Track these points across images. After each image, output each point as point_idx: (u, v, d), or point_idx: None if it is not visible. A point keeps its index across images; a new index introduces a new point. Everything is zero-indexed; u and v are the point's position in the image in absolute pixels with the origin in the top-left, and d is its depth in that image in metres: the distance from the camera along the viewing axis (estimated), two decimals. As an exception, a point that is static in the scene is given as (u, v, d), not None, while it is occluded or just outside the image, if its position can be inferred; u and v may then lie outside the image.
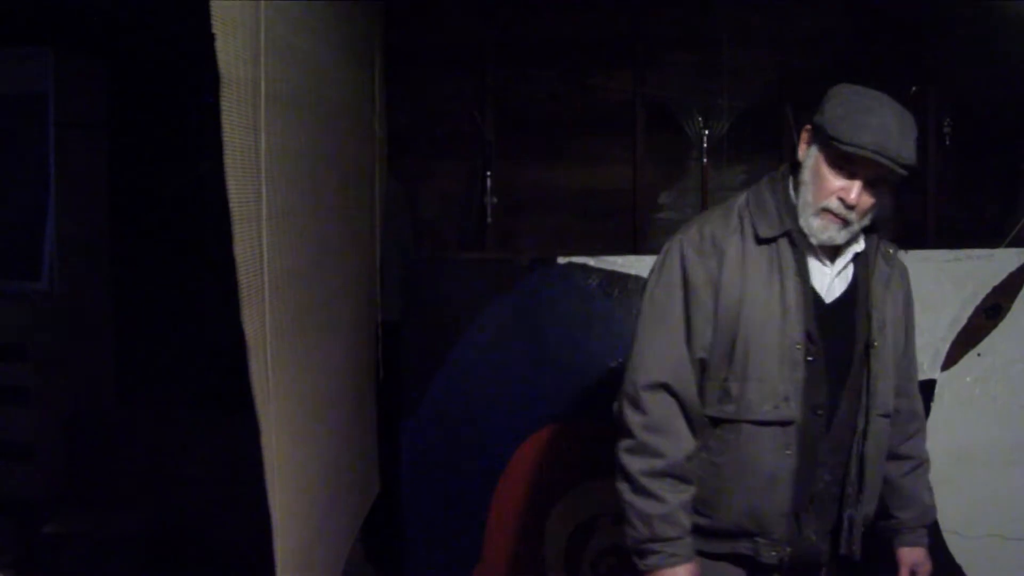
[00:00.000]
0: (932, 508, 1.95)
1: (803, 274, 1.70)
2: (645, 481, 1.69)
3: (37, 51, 3.42)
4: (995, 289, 2.70)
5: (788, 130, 3.48)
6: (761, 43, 3.52)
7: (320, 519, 1.99)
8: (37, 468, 3.31)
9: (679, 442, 1.70)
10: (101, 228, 3.66)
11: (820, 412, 1.70)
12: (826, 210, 1.67)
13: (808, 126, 1.75)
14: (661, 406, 1.70)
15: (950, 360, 2.70)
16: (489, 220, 3.50)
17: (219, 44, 1.26)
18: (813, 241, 1.70)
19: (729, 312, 1.70)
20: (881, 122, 1.63)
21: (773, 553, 1.73)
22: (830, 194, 1.66)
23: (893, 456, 1.87)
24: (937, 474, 2.70)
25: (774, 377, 1.68)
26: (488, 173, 3.49)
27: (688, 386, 1.71)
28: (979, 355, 2.70)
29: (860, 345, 1.74)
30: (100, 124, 3.62)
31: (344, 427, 2.34)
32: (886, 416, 1.78)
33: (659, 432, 1.69)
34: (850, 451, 1.75)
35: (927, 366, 2.71)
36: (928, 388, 2.70)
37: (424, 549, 2.87)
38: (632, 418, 1.71)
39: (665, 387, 1.70)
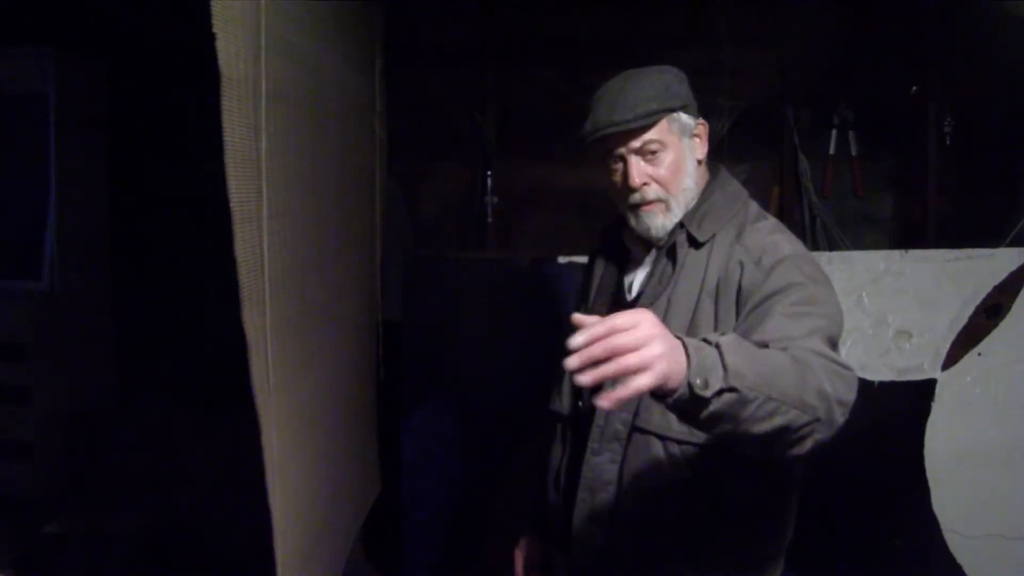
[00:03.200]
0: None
1: (607, 274, 1.78)
2: None
3: (37, 51, 3.41)
4: (996, 289, 2.70)
5: (788, 130, 3.48)
6: (761, 43, 3.52)
7: (320, 519, 1.99)
8: (37, 468, 3.31)
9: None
10: (101, 228, 3.65)
11: (581, 405, 1.72)
12: (633, 205, 1.65)
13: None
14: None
15: (950, 360, 2.71)
16: (489, 220, 3.50)
17: (219, 43, 1.26)
18: (647, 237, 1.68)
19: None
20: (602, 102, 1.63)
21: (560, 558, 1.73)
22: (623, 191, 1.65)
23: None
24: (937, 474, 2.72)
25: (561, 373, 1.75)
26: (488, 173, 3.49)
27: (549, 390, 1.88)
28: (979, 355, 2.70)
29: None
30: (100, 124, 3.62)
31: (344, 427, 2.34)
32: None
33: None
34: (615, 451, 1.63)
35: (927, 366, 2.71)
36: (928, 388, 2.70)
37: (424, 549, 2.87)
38: None
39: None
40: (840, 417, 1.32)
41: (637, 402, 1.58)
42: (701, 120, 1.69)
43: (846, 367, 1.36)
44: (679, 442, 1.57)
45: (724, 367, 1.19)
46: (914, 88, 3.44)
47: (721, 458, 1.56)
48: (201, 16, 1.27)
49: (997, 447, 2.70)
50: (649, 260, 1.71)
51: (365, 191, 2.81)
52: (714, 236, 1.62)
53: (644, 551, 1.60)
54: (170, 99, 3.52)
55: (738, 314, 1.52)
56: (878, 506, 2.72)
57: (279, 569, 1.55)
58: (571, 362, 1.12)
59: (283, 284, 1.62)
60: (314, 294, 1.92)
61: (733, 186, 1.73)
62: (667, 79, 1.67)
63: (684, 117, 1.66)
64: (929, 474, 2.70)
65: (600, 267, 1.83)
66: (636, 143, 1.61)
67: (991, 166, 3.45)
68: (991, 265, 2.72)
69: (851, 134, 3.47)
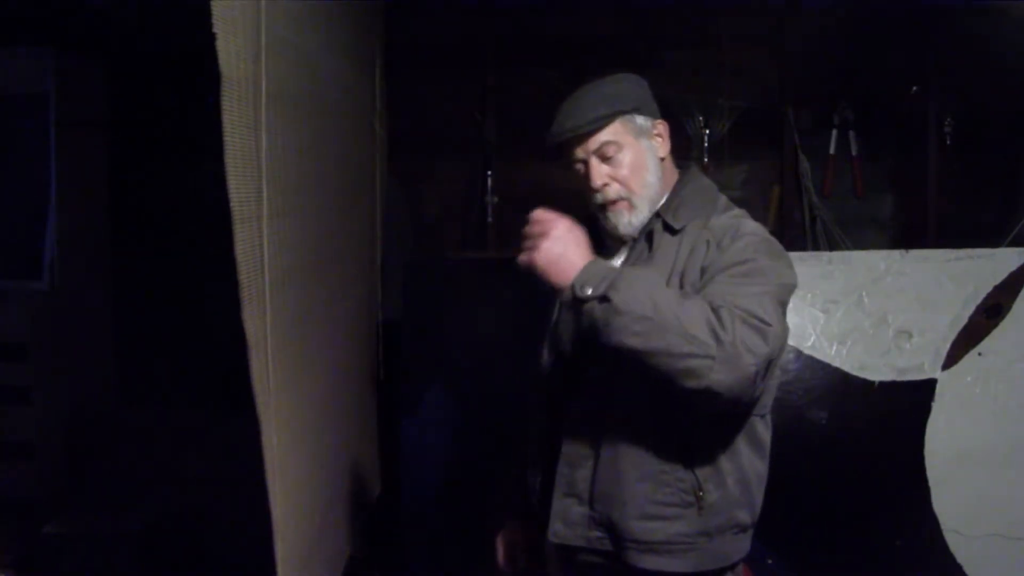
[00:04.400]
0: None
1: None
2: None
3: (37, 51, 3.41)
4: (996, 288, 2.70)
5: (788, 130, 3.48)
6: (761, 43, 3.52)
7: (320, 519, 1.99)
8: (37, 468, 3.31)
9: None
10: (101, 228, 3.65)
11: (561, 392, 1.77)
12: (600, 205, 1.75)
13: None
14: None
15: (951, 360, 2.71)
16: (490, 220, 3.49)
17: (220, 43, 1.26)
18: (616, 235, 1.77)
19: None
20: (561, 112, 1.76)
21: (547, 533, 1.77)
22: (589, 192, 1.75)
23: None
24: (937, 474, 2.72)
25: (543, 363, 1.85)
26: (489, 173, 3.49)
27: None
28: (980, 355, 2.70)
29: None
30: (100, 124, 3.62)
31: (344, 427, 2.34)
32: (632, 407, 1.67)
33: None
34: (590, 439, 1.71)
35: (928, 366, 2.71)
36: (928, 388, 2.70)
37: (424, 549, 2.87)
38: None
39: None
40: (751, 365, 1.46)
41: (613, 378, 1.66)
42: (661, 120, 1.77)
43: (765, 322, 1.49)
44: (656, 416, 1.64)
45: (610, 283, 1.47)
46: (914, 88, 3.44)
47: (697, 431, 1.65)
48: (201, 16, 1.27)
49: (997, 447, 2.70)
50: (624, 250, 1.79)
51: (365, 191, 2.81)
52: (688, 224, 1.71)
53: (619, 522, 1.67)
54: (170, 99, 3.52)
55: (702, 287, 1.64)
56: (878, 506, 2.72)
57: (279, 569, 1.55)
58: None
59: (283, 284, 1.62)
60: (314, 294, 1.92)
61: (704, 181, 1.81)
62: (622, 86, 1.76)
63: (639, 119, 1.74)
64: (929, 474, 2.70)
65: None
66: (592, 145, 1.72)
67: (991, 166, 3.45)
68: (991, 265, 2.72)
69: (851, 134, 3.47)
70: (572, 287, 1.52)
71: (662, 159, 1.77)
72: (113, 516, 3.15)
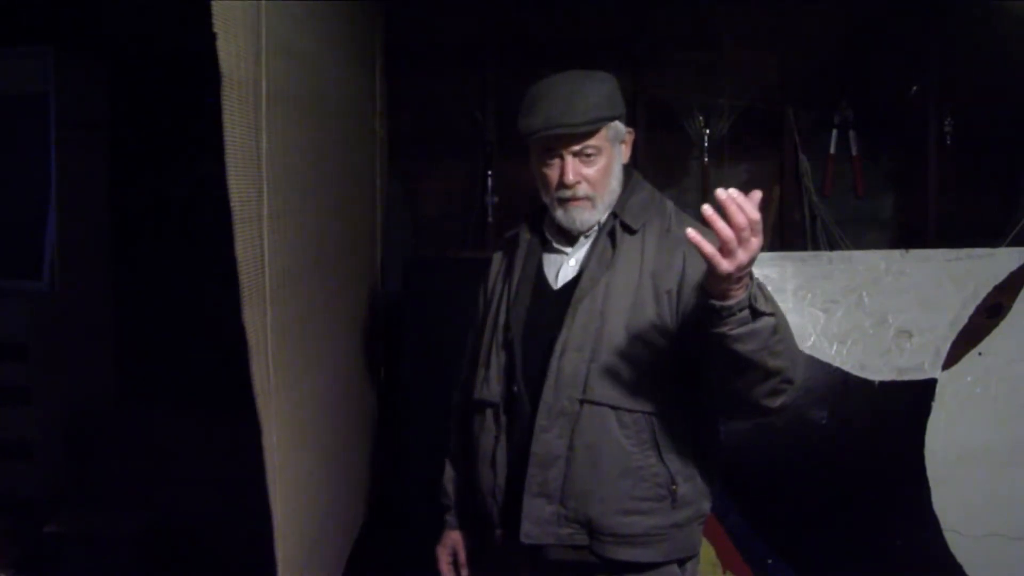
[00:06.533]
0: None
1: (528, 266, 1.85)
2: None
3: (38, 51, 3.41)
4: (996, 288, 2.71)
5: (788, 130, 3.48)
6: (761, 43, 3.51)
7: (321, 519, 1.99)
8: (37, 468, 3.31)
9: (454, 429, 2.02)
10: (101, 228, 3.65)
11: (516, 391, 1.78)
12: (562, 200, 1.77)
13: None
14: (455, 399, 2.03)
15: (951, 359, 2.71)
16: (490, 220, 3.49)
17: (220, 44, 1.26)
18: (571, 229, 1.80)
19: (483, 312, 1.93)
20: (549, 100, 1.74)
21: (498, 535, 1.81)
22: (554, 185, 1.77)
23: None
24: (937, 474, 2.72)
25: (488, 362, 1.84)
26: (489, 172, 3.49)
27: (468, 381, 1.95)
28: (980, 354, 2.70)
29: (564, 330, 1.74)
30: (100, 124, 3.62)
31: (344, 427, 2.34)
32: (607, 406, 1.69)
33: (451, 420, 2.04)
34: (560, 438, 1.71)
35: (928, 366, 2.71)
36: (928, 388, 2.71)
37: (424, 552, 2.87)
38: None
39: (462, 383, 1.99)
40: (794, 395, 1.57)
41: (585, 377, 1.70)
42: (630, 129, 1.83)
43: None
44: (630, 411, 1.68)
45: (765, 297, 1.44)
46: (914, 88, 3.44)
47: (669, 427, 1.69)
48: (202, 16, 1.27)
49: (997, 447, 2.70)
50: (579, 248, 1.82)
51: (366, 191, 2.81)
52: (644, 225, 1.78)
53: (597, 518, 1.70)
54: (170, 99, 3.52)
55: (680, 294, 1.69)
56: (878, 506, 2.72)
57: (279, 569, 1.55)
58: (708, 209, 1.35)
59: (284, 284, 1.62)
60: (315, 294, 1.92)
61: (648, 187, 1.87)
62: (611, 87, 1.79)
63: (620, 125, 1.79)
64: (929, 474, 2.71)
65: (507, 265, 1.93)
66: (577, 147, 1.74)
67: (991, 166, 3.45)
68: (991, 265, 2.72)
69: (851, 134, 3.47)
70: (751, 299, 1.41)
71: (623, 165, 1.83)
72: (113, 516, 3.15)
